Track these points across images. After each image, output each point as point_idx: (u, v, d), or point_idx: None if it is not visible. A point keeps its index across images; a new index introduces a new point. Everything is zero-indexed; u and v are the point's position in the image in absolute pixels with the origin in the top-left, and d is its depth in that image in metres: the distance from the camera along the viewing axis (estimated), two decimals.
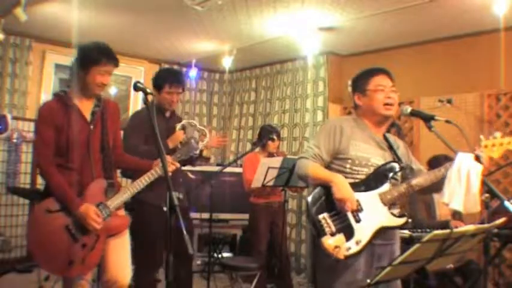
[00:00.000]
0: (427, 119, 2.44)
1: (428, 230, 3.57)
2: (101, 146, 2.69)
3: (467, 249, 2.11)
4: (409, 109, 2.52)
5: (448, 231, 1.77)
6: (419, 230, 3.68)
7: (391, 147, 2.54)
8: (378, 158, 2.46)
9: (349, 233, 2.30)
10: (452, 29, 5.01)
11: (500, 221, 2.09)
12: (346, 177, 2.39)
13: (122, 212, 2.80)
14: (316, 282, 2.60)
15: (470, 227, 1.91)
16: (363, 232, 2.32)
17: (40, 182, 5.70)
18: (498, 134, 2.42)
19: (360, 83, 2.54)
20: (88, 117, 2.67)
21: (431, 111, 2.68)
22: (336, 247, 2.26)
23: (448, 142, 2.37)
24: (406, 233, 3.57)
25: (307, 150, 2.49)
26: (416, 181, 2.40)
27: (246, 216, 4.87)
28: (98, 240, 2.57)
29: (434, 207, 4.24)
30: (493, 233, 3.36)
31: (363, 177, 2.42)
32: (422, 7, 4.42)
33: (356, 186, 2.37)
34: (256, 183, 4.39)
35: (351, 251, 2.28)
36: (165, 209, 2.67)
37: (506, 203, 2.23)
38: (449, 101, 4.91)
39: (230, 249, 5.98)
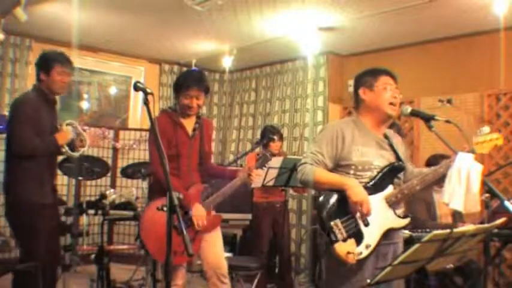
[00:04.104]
0: (427, 119, 2.44)
1: (428, 230, 3.57)
2: (198, 157, 3.17)
3: (467, 249, 2.11)
4: (409, 109, 2.52)
5: (448, 231, 1.77)
6: (419, 230, 3.68)
7: (391, 146, 2.54)
8: (380, 159, 2.46)
9: (359, 238, 2.32)
10: (452, 29, 5.01)
11: (500, 221, 2.09)
12: None
13: (213, 212, 3.19)
14: (316, 282, 2.63)
15: (470, 227, 1.91)
16: (372, 236, 2.33)
17: None
18: (487, 129, 2.43)
19: (367, 78, 2.53)
20: (190, 132, 3.13)
21: (431, 111, 2.68)
22: (348, 253, 2.27)
23: (448, 142, 2.37)
24: (406, 233, 3.56)
25: (309, 155, 2.46)
26: (418, 181, 2.41)
27: (246, 216, 4.87)
28: (196, 235, 3.01)
29: (435, 207, 4.23)
30: (493, 233, 3.36)
31: (367, 180, 2.42)
32: (422, 7, 4.42)
33: None
34: (257, 183, 4.39)
35: (362, 256, 2.30)
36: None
37: (506, 203, 2.23)
38: (449, 101, 4.91)
39: (230, 249, 5.98)
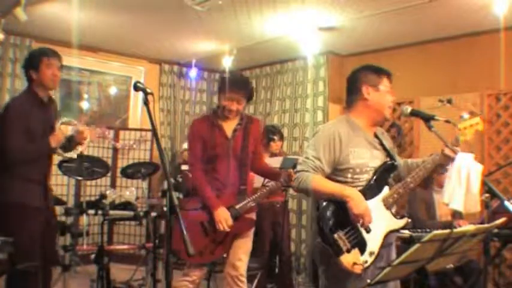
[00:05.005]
0: (427, 119, 2.43)
1: (428, 230, 3.58)
2: (240, 158, 3.17)
3: (467, 249, 2.11)
4: (409, 109, 2.51)
5: (448, 231, 1.77)
6: (419, 230, 3.68)
7: (382, 145, 2.52)
8: (374, 160, 2.43)
9: (362, 246, 2.29)
10: (452, 29, 5.01)
11: (500, 221, 2.09)
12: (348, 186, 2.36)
13: (251, 215, 3.24)
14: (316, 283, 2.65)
15: (470, 227, 1.91)
16: (374, 241, 2.31)
17: None
18: (466, 116, 2.42)
19: (371, 77, 2.48)
20: (229, 134, 3.16)
21: (431, 111, 2.67)
22: (354, 263, 2.24)
23: (448, 142, 2.37)
24: (406, 233, 3.57)
25: (306, 161, 2.36)
26: (411, 179, 2.39)
27: None
28: (226, 237, 3.10)
29: (434, 207, 4.24)
30: (493, 233, 3.36)
31: (364, 183, 2.39)
32: (422, 7, 4.42)
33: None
34: (257, 182, 4.40)
35: (368, 264, 2.27)
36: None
37: (506, 203, 2.23)
38: (449, 101, 4.90)
39: None
